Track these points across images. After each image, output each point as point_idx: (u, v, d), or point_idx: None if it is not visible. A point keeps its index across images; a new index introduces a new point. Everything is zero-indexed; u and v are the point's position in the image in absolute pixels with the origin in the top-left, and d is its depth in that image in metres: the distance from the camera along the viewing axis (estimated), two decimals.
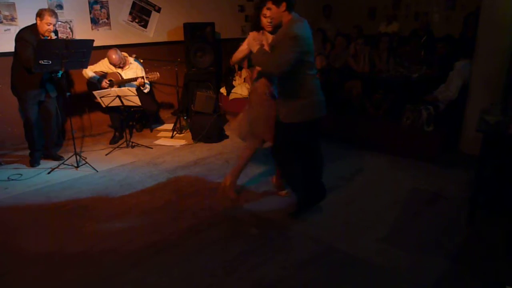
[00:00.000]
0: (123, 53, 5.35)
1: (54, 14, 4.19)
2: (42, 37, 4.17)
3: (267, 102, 3.42)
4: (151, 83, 5.90)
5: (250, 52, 3.15)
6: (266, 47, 3.14)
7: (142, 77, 5.25)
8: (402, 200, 3.72)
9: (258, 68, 3.40)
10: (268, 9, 3.04)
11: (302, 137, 3.23)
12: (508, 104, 3.51)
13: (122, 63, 5.31)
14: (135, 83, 5.26)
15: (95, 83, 5.15)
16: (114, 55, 5.20)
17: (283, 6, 2.96)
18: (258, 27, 3.30)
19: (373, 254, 2.90)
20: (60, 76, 4.39)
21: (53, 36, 4.21)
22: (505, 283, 2.46)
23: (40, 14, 4.14)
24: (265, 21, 3.21)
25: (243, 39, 3.53)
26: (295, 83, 3.07)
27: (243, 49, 3.36)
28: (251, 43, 3.07)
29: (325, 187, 3.53)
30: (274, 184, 3.93)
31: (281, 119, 3.20)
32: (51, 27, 4.17)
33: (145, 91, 5.42)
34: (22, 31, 4.20)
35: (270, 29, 3.23)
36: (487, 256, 2.87)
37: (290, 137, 3.22)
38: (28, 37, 4.12)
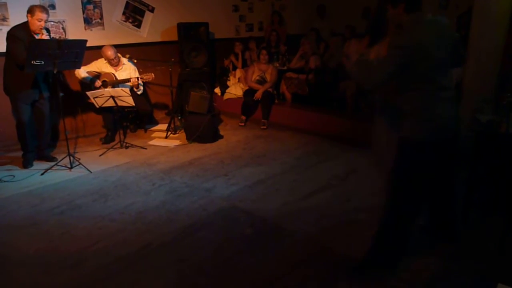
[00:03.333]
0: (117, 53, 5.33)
1: (45, 10, 4.15)
2: (34, 35, 4.14)
3: None
4: (145, 84, 5.89)
5: None
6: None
7: (136, 78, 5.23)
8: None
9: None
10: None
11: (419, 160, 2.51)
12: (500, 103, 3.53)
13: (116, 58, 5.29)
14: (129, 84, 5.25)
15: (88, 83, 5.12)
16: (110, 50, 5.19)
17: (401, 7, 2.53)
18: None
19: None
20: (52, 76, 4.36)
21: (45, 33, 4.18)
22: (497, 281, 2.47)
23: (30, 11, 4.10)
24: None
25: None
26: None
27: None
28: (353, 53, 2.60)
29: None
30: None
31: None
32: (42, 23, 4.14)
33: (139, 92, 5.40)
34: (13, 29, 4.17)
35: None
36: (481, 255, 2.89)
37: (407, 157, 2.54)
38: (19, 34, 4.09)
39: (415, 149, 2.47)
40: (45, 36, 4.18)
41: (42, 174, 4.36)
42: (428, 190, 2.67)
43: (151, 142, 5.50)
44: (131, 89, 5.23)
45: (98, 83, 5.12)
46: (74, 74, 5.20)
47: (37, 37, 4.16)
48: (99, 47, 5.35)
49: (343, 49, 6.62)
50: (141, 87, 5.43)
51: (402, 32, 2.48)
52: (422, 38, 2.41)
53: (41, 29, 4.15)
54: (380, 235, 2.66)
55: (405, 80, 2.45)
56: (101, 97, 4.74)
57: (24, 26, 4.16)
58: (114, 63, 5.30)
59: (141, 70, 5.58)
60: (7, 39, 4.16)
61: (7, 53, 4.22)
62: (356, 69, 2.54)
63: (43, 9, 4.14)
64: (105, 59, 5.27)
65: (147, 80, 5.38)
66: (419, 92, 2.45)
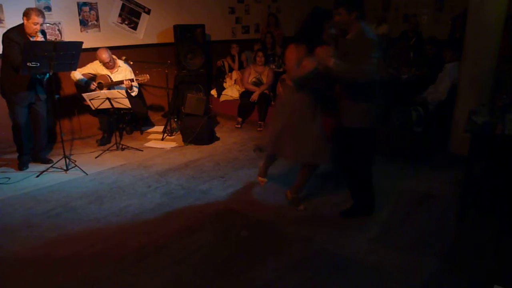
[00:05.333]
0: (112, 55, 5.31)
1: (41, 14, 4.13)
2: (30, 37, 4.13)
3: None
4: (141, 85, 5.87)
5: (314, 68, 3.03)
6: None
7: (132, 80, 5.22)
8: (392, 201, 3.75)
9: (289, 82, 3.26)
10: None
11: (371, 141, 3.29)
12: (495, 105, 3.55)
13: (111, 61, 5.27)
14: (122, 85, 5.23)
15: (83, 85, 5.10)
16: (104, 53, 5.17)
17: (354, 14, 2.97)
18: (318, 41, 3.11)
19: (364, 255, 2.91)
20: (46, 78, 4.35)
21: (40, 36, 4.16)
22: (494, 282, 2.48)
23: (26, 14, 4.08)
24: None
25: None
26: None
27: (306, 65, 3.07)
28: (326, 58, 2.92)
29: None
30: (289, 199, 3.70)
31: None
32: (38, 27, 4.12)
33: (133, 94, 5.38)
34: (8, 31, 4.15)
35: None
36: (476, 256, 2.90)
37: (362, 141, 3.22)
38: (14, 36, 4.07)
39: (366, 132, 3.18)
40: (40, 39, 4.17)
41: (37, 176, 4.34)
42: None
43: (147, 144, 5.48)
44: (126, 90, 5.22)
45: (94, 85, 5.10)
46: (70, 76, 5.18)
47: (32, 39, 4.14)
48: (95, 49, 5.33)
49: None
50: (135, 89, 5.41)
51: (366, 36, 2.96)
52: (376, 39, 2.99)
53: (37, 32, 4.13)
54: (357, 192, 3.46)
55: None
56: (97, 99, 4.73)
57: (20, 28, 4.14)
58: (110, 66, 5.28)
59: (137, 72, 5.57)
60: (2, 41, 4.14)
61: (3, 56, 4.20)
62: (343, 71, 2.94)
63: (39, 12, 4.12)
64: (100, 62, 5.25)
65: (142, 82, 5.36)
66: (368, 87, 3.05)
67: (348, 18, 2.98)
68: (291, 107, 3.26)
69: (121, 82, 5.21)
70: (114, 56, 5.36)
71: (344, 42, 3.09)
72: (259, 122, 6.16)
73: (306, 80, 3.13)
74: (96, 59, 5.29)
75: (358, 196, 3.47)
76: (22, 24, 4.15)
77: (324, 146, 3.32)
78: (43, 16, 4.17)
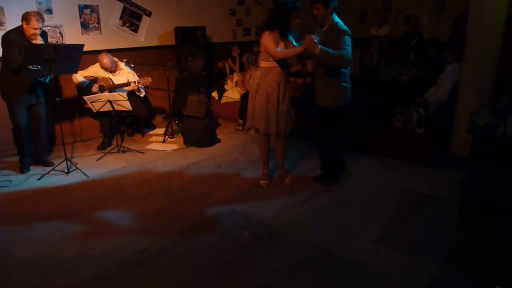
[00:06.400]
0: (113, 58, 5.32)
1: (41, 18, 4.11)
2: (30, 41, 4.13)
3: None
4: (143, 88, 5.88)
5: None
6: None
7: (135, 82, 5.22)
8: (393, 202, 3.74)
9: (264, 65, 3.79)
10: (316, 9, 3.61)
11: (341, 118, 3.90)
12: (497, 105, 3.54)
13: (113, 66, 5.28)
14: (127, 88, 5.24)
15: (85, 88, 5.11)
16: (106, 59, 5.17)
17: (330, 8, 3.57)
18: (288, 28, 3.68)
19: (365, 256, 2.91)
20: (48, 80, 4.35)
21: (40, 39, 4.16)
22: (495, 283, 2.48)
23: (26, 19, 4.06)
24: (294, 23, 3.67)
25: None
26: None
27: (293, 50, 3.64)
28: (313, 44, 3.37)
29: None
30: (280, 172, 4.26)
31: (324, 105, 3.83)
32: (38, 31, 4.12)
33: (141, 95, 5.40)
34: (7, 33, 4.15)
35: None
36: (478, 257, 2.89)
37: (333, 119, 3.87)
38: (13, 38, 4.07)
39: (340, 111, 3.82)
40: (39, 42, 4.16)
41: (39, 179, 4.34)
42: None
43: (149, 146, 5.49)
44: (133, 93, 5.22)
45: (95, 88, 5.11)
46: (71, 79, 5.19)
47: (32, 42, 4.15)
48: (96, 52, 5.34)
49: None
50: (142, 90, 5.42)
51: (340, 28, 3.58)
52: (349, 30, 3.56)
53: (36, 36, 4.12)
54: (328, 161, 4.11)
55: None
56: (98, 101, 4.73)
57: (19, 30, 4.13)
58: (112, 70, 5.29)
59: (138, 74, 5.57)
60: (2, 43, 4.14)
61: (3, 58, 4.21)
62: (328, 58, 3.44)
63: (39, 17, 4.09)
64: (102, 68, 5.24)
65: (144, 84, 5.37)
66: (342, 73, 3.66)
67: (325, 12, 3.55)
68: (266, 87, 3.77)
69: (124, 85, 5.21)
70: (115, 59, 5.36)
71: (321, 34, 3.69)
72: None
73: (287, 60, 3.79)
74: (97, 62, 5.29)
75: (327, 167, 4.13)
76: (21, 26, 4.14)
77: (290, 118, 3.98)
78: (43, 21, 4.14)
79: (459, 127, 4.65)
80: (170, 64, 5.80)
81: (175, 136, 5.89)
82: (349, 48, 3.49)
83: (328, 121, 3.87)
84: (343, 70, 3.67)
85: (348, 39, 3.51)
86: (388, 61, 6.24)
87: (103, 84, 5.20)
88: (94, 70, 5.29)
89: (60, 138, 4.74)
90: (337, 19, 3.64)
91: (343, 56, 3.44)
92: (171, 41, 6.54)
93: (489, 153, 3.35)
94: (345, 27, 3.57)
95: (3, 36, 4.13)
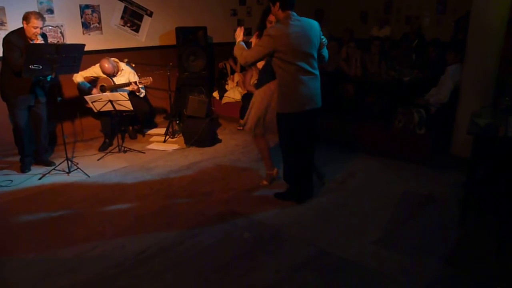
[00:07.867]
0: (113, 59, 5.29)
1: (41, 17, 4.12)
2: (30, 41, 4.13)
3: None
4: (143, 88, 5.87)
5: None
6: None
7: (135, 82, 5.21)
8: (394, 203, 3.74)
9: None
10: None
11: (290, 128, 3.53)
12: (498, 107, 3.54)
13: (115, 71, 5.27)
14: (128, 88, 5.24)
15: (85, 90, 5.09)
16: (107, 64, 5.14)
17: (277, 5, 3.32)
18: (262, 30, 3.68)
19: (366, 257, 2.90)
20: (48, 80, 4.36)
21: (40, 39, 4.17)
22: (496, 284, 2.47)
23: (26, 18, 4.07)
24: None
25: (235, 43, 3.75)
26: (271, 77, 3.58)
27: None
28: (238, 36, 3.65)
29: (313, 189, 3.83)
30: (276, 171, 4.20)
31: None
32: (38, 30, 4.11)
33: (141, 95, 5.40)
34: (8, 34, 4.15)
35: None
36: (479, 258, 2.89)
37: (283, 126, 3.57)
38: (14, 39, 4.07)
39: (287, 119, 3.46)
40: (40, 42, 4.17)
41: (40, 178, 4.35)
42: (305, 147, 3.62)
43: (149, 146, 5.49)
44: (133, 93, 5.22)
45: (95, 91, 5.10)
46: (72, 79, 5.19)
47: (32, 42, 4.14)
48: (97, 52, 5.35)
49: (341, 53, 6.65)
50: (142, 90, 5.42)
51: (274, 26, 3.42)
52: (288, 31, 3.23)
53: (37, 35, 4.13)
54: (287, 180, 3.75)
55: (276, 63, 3.35)
56: (99, 101, 4.73)
57: (20, 31, 4.14)
58: (114, 75, 5.28)
59: (139, 74, 5.57)
60: (3, 45, 4.14)
61: (3, 59, 4.21)
62: (236, 50, 3.56)
63: (39, 16, 4.09)
64: (104, 74, 5.23)
65: (145, 84, 5.37)
66: (285, 73, 3.34)
67: (274, 10, 3.38)
68: (269, 93, 3.73)
69: (125, 85, 5.21)
70: (116, 60, 5.35)
71: None
72: None
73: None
74: (98, 62, 5.28)
75: (290, 180, 3.75)
76: (23, 28, 4.15)
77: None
78: (43, 19, 4.15)
79: (460, 128, 4.65)
80: (171, 64, 5.80)
81: (176, 136, 5.89)
82: (257, 48, 3.36)
83: (279, 127, 3.59)
84: (285, 75, 3.35)
85: (265, 35, 3.33)
86: (389, 62, 6.23)
87: (104, 84, 5.20)
88: (95, 71, 5.28)
89: (61, 138, 4.74)
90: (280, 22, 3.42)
91: (242, 54, 3.47)
92: (172, 41, 6.54)
93: (490, 155, 3.34)
94: (269, 30, 3.34)
95: (4, 38, 4.13)
